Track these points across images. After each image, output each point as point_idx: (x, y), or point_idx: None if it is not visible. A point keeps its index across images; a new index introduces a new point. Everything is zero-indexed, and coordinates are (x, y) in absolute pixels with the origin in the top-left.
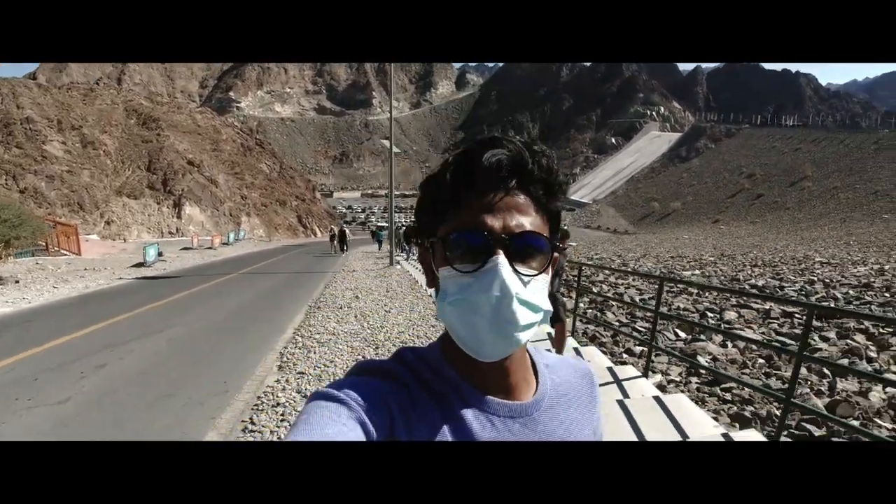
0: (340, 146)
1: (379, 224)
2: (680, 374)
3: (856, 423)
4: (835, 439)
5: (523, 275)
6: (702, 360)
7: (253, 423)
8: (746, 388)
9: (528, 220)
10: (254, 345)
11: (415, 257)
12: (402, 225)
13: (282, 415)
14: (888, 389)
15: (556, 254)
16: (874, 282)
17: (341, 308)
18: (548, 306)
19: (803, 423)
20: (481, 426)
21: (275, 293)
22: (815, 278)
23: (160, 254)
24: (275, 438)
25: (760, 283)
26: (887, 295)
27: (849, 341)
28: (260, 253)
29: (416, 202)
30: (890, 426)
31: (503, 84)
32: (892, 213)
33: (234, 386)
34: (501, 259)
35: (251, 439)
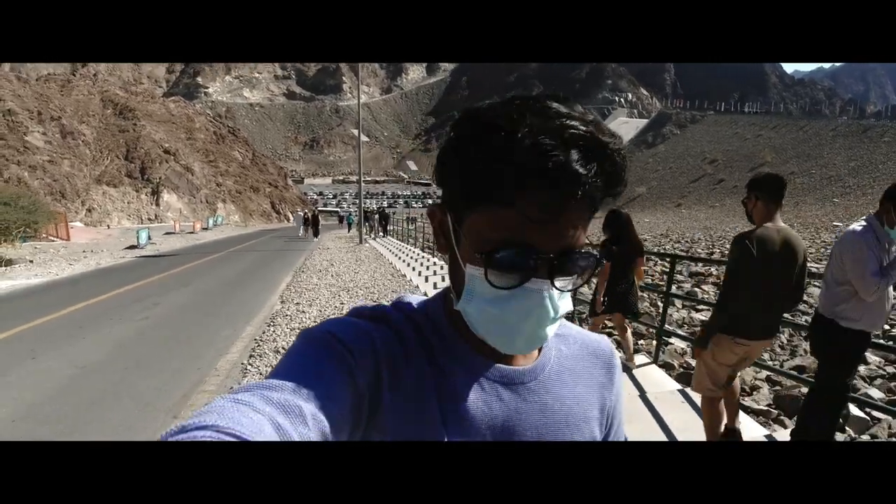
0: (311, 132)
1: (349, 210)
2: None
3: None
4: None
5: (562, 290)
6: None
7: (274, 322)
8: None
9: (581, 232)
10: (259, 292)
11: (381, 236)
12: (372, 209)
13: (290, 318)
14: (698, 314)
15: (602, 263)
16: None
17: (320, 271)
18: (570, 306)
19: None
20: (468, 387)
21: (265, 264)
22: (717, 249)
23: (149, 237)
24: (289, 330)
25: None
26: None
27: (697, 288)
28: (240, 236)
29: (441, 161)
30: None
31: (474, 70)
32: (842, 197)
33: (254, 311)
34: (545, 284)
35: (274, 331)
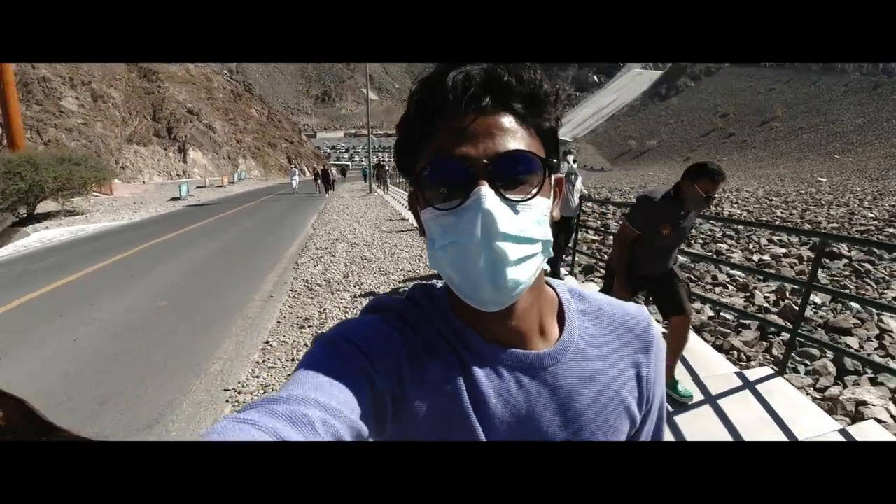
0: (322, 85)
1: (363, 164)
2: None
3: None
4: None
5: (513, 201)
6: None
7: (311, 239)
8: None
9: (513, 140)
10: (295, 226)
11: (387, 190)
12: (383, 164)
13: (321, 236)
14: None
15: (554, 174)
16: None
17: (338, 212)
18: (547, 236)
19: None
20: (486, 377)
21: (293, 209)
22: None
23: (188, 190)
24: (323, 242)
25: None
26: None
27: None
28: (264, 188)
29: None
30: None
31: None
32: (843, 154)
33: (296, 234)
34: (485, 189)
35: (314, 241)
